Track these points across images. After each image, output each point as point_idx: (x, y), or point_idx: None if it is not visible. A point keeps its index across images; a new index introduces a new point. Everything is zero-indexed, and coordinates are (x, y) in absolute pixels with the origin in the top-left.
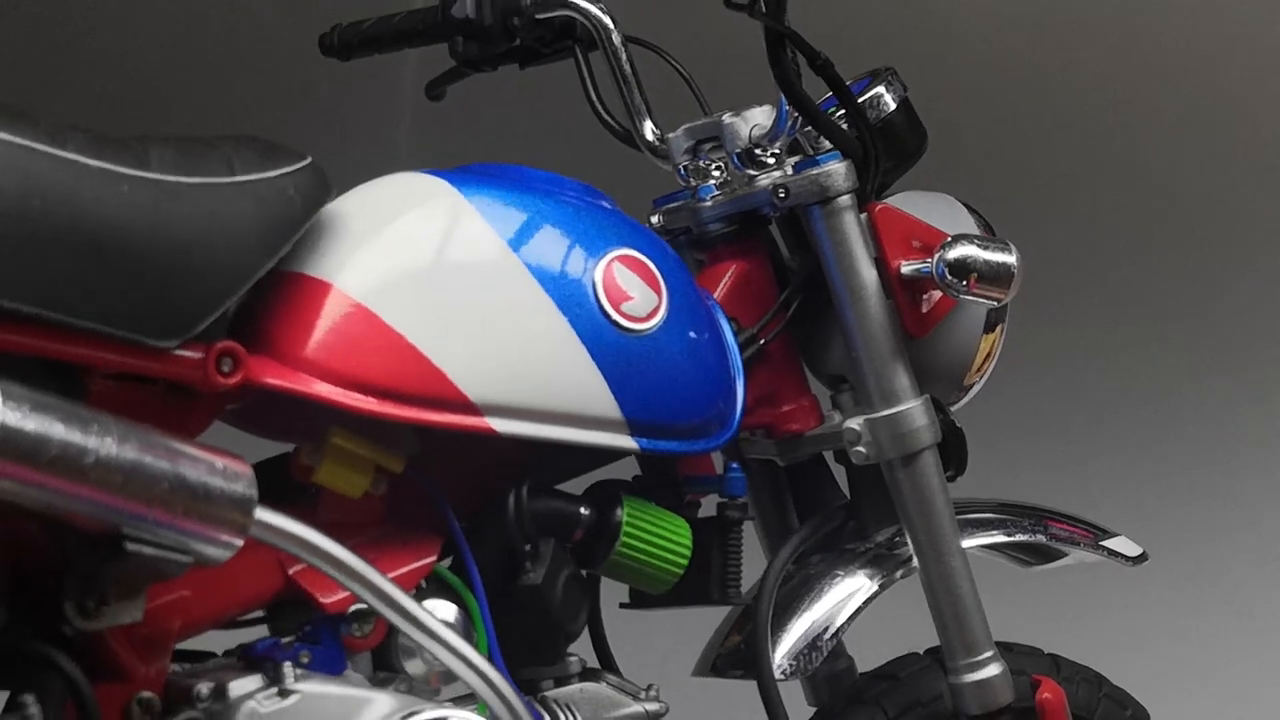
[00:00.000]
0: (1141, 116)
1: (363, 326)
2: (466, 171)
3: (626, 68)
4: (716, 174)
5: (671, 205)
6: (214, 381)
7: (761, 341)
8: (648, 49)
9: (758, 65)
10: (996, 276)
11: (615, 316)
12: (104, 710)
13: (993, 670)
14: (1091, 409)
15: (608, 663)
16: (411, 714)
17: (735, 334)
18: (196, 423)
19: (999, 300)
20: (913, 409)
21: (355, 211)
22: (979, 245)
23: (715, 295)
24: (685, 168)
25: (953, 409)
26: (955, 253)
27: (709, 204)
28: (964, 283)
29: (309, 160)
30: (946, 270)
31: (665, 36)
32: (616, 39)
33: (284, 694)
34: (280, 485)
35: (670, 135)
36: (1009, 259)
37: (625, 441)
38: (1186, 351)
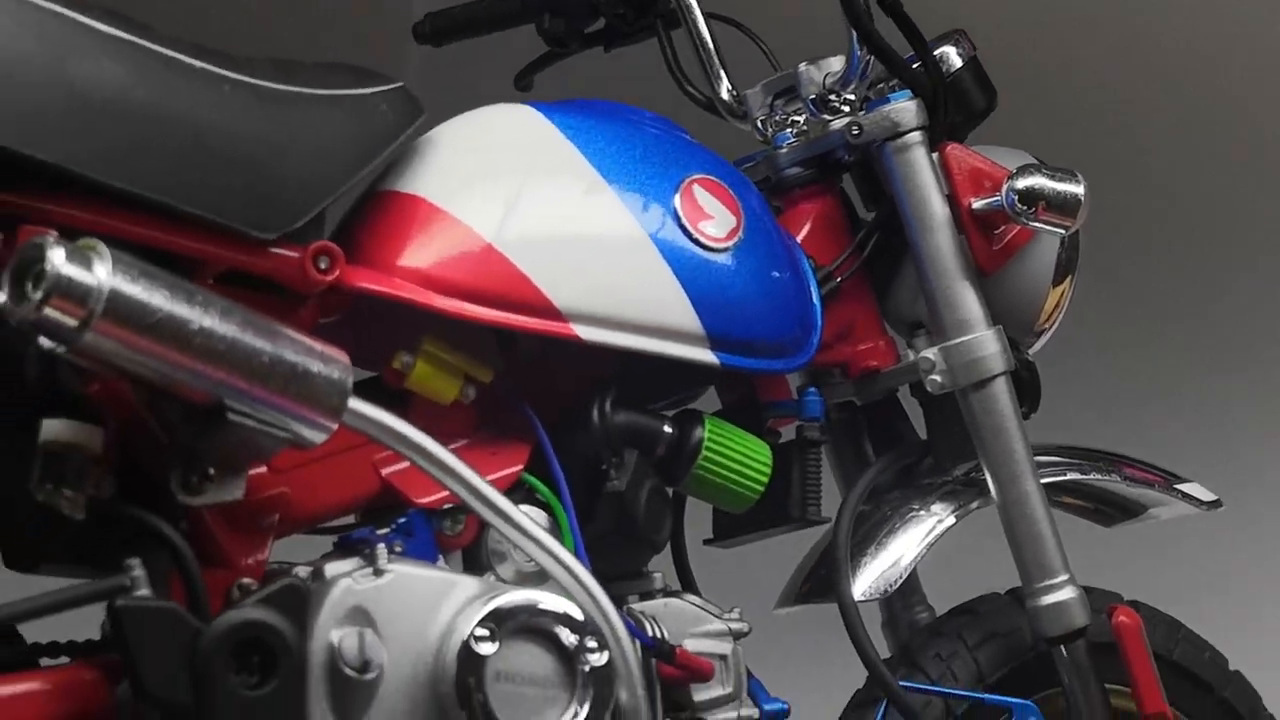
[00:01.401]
0: (1141, 116)
1: (453, 235)
2: (553, 104)
3: (708, 38)
4: (793, 125)
5: (750, 164)
6: (311, 279)
7: (838, 279)
8: (721, 20)
9: (825, 35)
10: (1064, 204)
11: (695, 234)
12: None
13: (1068, 593)
14: (1092, 408)
15: (690, 585)
16: (500, 593)
17: (813, 270)
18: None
19: (1067, 228)
20: (984, 336)
21: (446, 135)
22: (1047, 175)
23: (795, 235)
24: (762, 121)
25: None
26: (1024, 181)
27: (785, 151)
28: (1032, 210)
29: (400, 84)
30: (1016, 199)
31: (737, 8)
32: (698, 12)
33: (378, 573)
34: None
35: (748, 92)
36: (1076, 189)
37: (705, 355)
38: (1186, 351)
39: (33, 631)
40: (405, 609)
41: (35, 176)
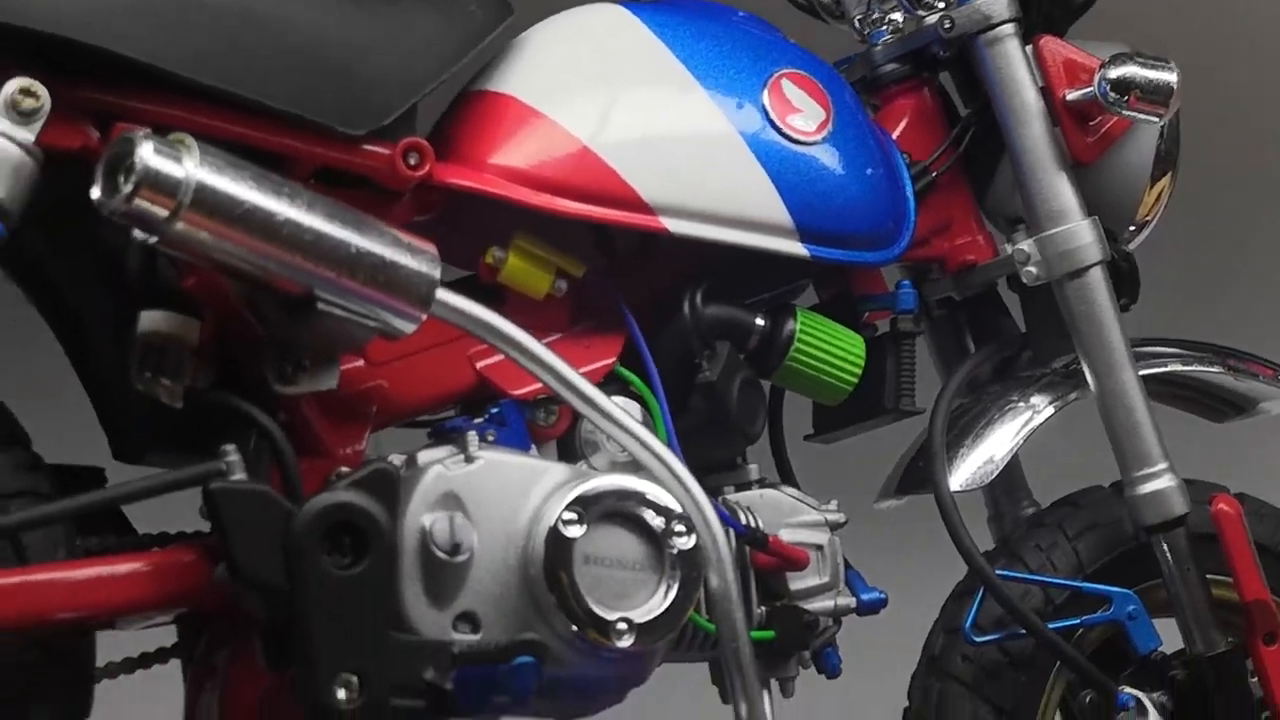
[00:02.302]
0: None
1: (541, 131)
2: (643, 3)
3: None
4: (889, 23)
5: (848, 65)
6: (401, 174)
7: (934, 174)
8: None
9: None
10: (1156, 92)
11: (783, 127)
12: (304, 480)
13: (1166, 481)
14: (1190, 301)
15: (789, 478)
16: (587, 479)
17: (907, 165)
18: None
19: (1159, 116)
20: (1079, 226)
21: (537, 36)
22: (1139, 63)
23: (891, 132)
24: (859, 20)
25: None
26: (1116, 71)
27: (880, 48)
28: (1125, 99)
29: None
30: (1108, 88)
31: None
32: None
33: (469, 460)
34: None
35: None
36: (1169, 76)
37: (795, 247)
38: None
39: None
40: (495, 494)
41: (129, 76)
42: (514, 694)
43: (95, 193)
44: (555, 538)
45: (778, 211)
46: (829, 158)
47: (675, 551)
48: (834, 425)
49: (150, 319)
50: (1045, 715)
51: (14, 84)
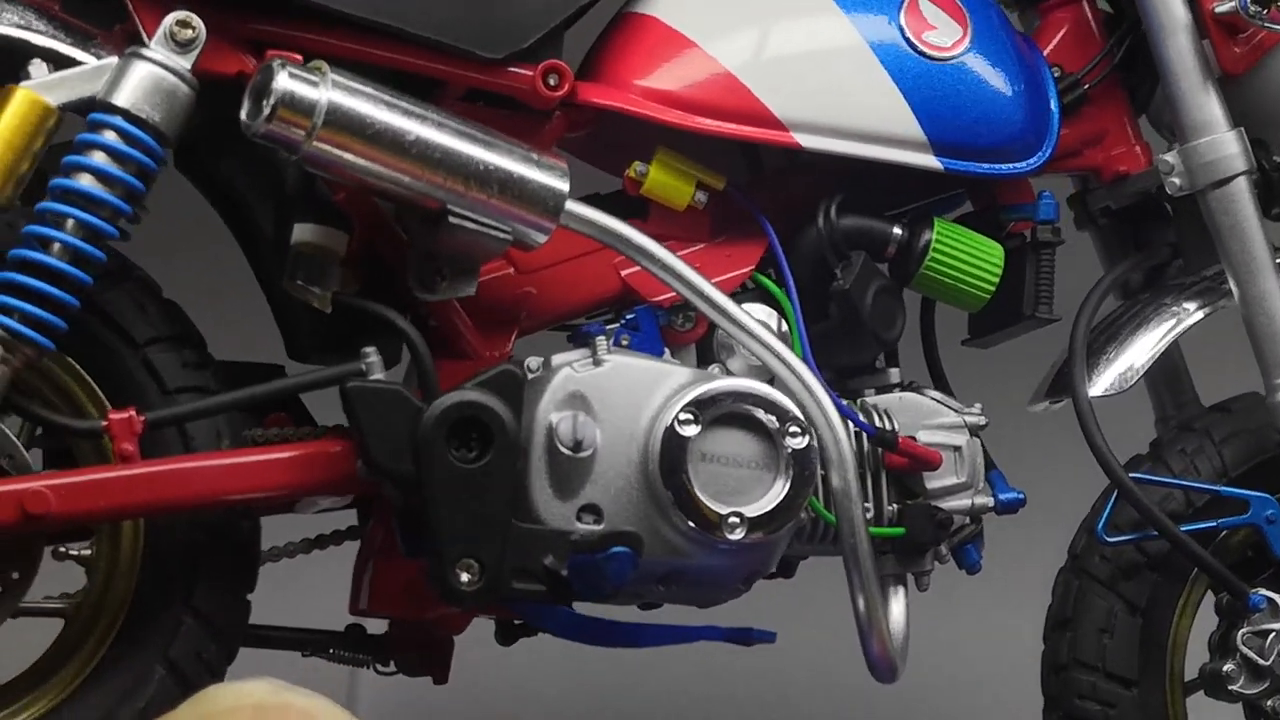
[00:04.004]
0: None
1: (681, 52)
2: None
3: None
4: None
5: None
6: (542, 94)
7: (1085, 86)
8: None
9: None
10: None
11: (918, 44)
12: (451, 382)
13: None
14: None
15: (941, 382)
16: (706, 381)
17: (1058, 79)
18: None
19: None
20: (1223, 137)
21: None
22: None
23: (1045, 46)
24: None
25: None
26: None
27: None
28: (1265, 11)
29: None
30: (1249, 1)
31: None
32: None
33: (597, 363)
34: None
35: None
36: None
37: (928, 160)
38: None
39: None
40: (620, 395)
41: (281, 7)
42: (611, 580)
43: (242, 115)
44: (671, 436)
45: (910, 126)
46: (964, 73)
47: (789, 450)
48: (985, 331)
49: (302, 230)
50: (1183, 616)
51: (172, 17)
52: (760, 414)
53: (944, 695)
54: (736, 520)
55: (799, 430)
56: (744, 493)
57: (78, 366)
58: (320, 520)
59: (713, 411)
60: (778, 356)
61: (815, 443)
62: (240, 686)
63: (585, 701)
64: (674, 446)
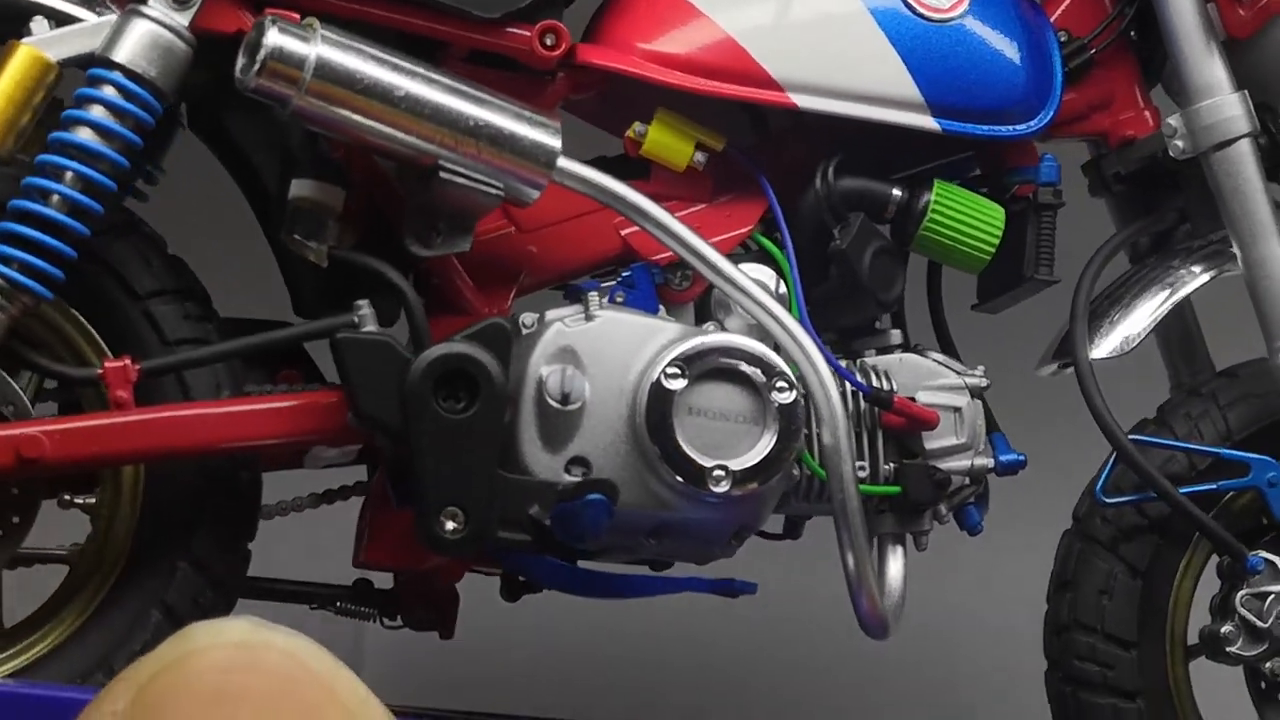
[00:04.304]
0: None
1: (679, 15)
2: None
3: None
4: None
5: None
6: (539, 54)
7: (1093, 50)
8: None
9: None
10: None
11: (915, 6)
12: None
13: None
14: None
15: (947, 345)
16: (694, 336)
17: (1065, 43)
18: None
19: None
20: (1225, 99)
21: None
22: None
23: (1054, 11)
24: None
25: None
26: None
27: None
28: None
29: None
30: None
31: None
32: None
33: (589, 318)
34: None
35: None
36: None
37: (925, 121)
38: None
39: None
40: (610, 350)
41: None
42: (587, 526)
43: (236, 70)
44: (658, 390)
45: (907, 87)
46: (963, 34)
47: (776, 405)
48: (991, 295)
49: (299, 185)
50: (1185, 580)
51: None
52: (746, 368)
53: (949, 654)
54: (722, 473)
55: (786, 385)
56: (731, 446)
57: (81, 319)
58: (330, 475)
59: (700, 366)
60: (768, 312)
61: (802, 398)
62: (220, 624)
63: (589, 660)
64: (660, 400)
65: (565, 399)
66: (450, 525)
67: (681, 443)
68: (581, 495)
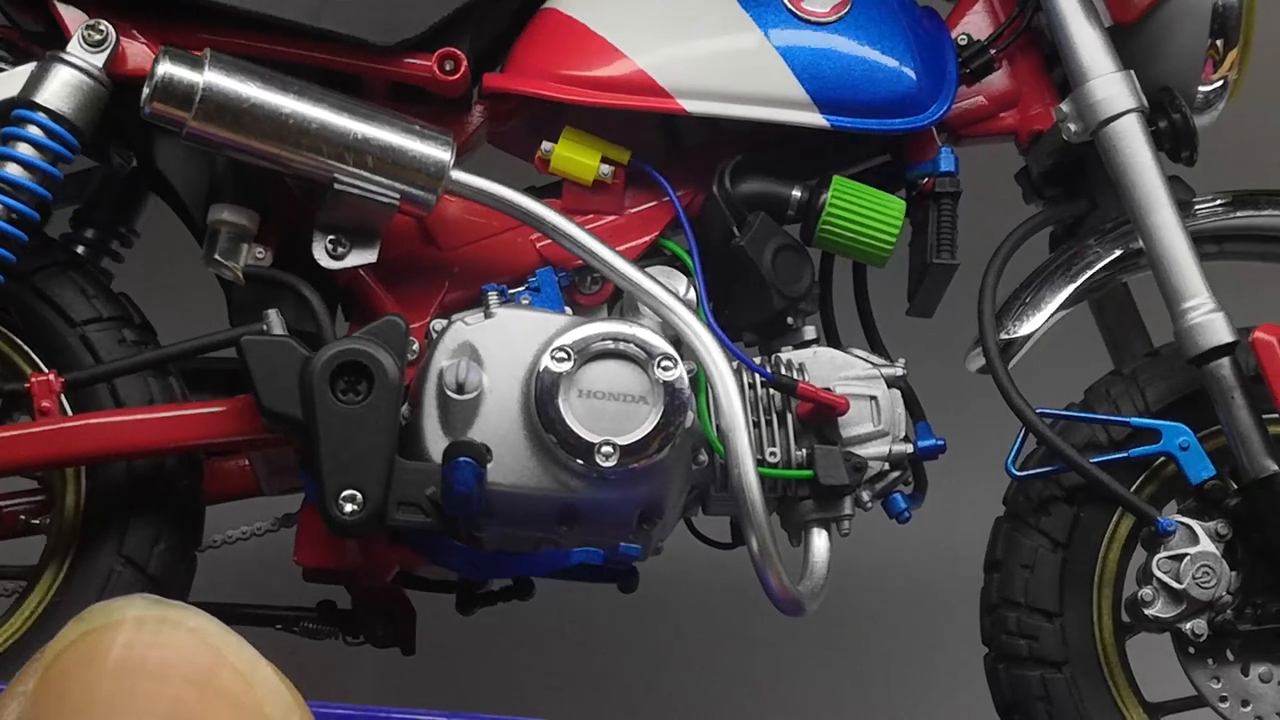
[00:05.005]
0: None
1: (573, 35)
2: None
3: None
4: None
5: None
6: (440, 80)
7: (992, 51)
8: None
9: None
10: None
11: (796, 11)
12: None
13: (1208, 311)
14: None
15: (874, 343)
16: (580, 324)
17: (964, 45)
18: (461, 140)
19: None
20: (1109, 77)
21: None
22: None
23: (957, 20)
24: None
25: (1209, 109)
26: None
27: None
28: None
29: None
30: None
31: None
32: None
33: (488, 316)
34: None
35: None
36: None
37: (814, 119)
38: None
39: None
40: (505, 343)
41: (186, 10)
42: (456, 489)
43: (140, 102)
44: (545, 373)
45: (791, 87)
46: (845, 35)
47: (661, 382)
48: (913, 293)
49: (216, 210)
50: (1110, 549)
51: (83, 24)
52: (630, 348)
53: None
54: (610, 449)
55: (671, 363)
56: (620, 424)
57: (19, 341)
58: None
59: (587, 351)
60: (655, 298)
61: (688, 375)
62: (117, 602)
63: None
64: (548, 383)
65: (461, 388)
66: (349, 507)
67: (569, 422)
68: (450, 459)
